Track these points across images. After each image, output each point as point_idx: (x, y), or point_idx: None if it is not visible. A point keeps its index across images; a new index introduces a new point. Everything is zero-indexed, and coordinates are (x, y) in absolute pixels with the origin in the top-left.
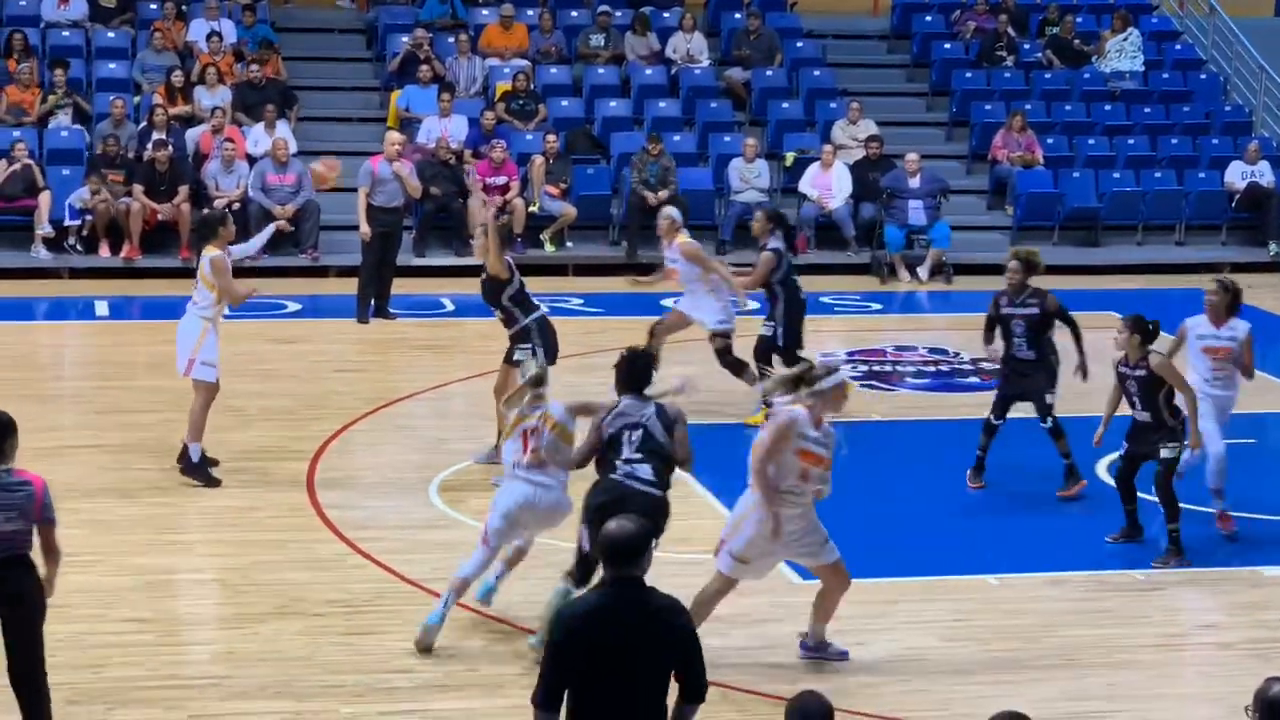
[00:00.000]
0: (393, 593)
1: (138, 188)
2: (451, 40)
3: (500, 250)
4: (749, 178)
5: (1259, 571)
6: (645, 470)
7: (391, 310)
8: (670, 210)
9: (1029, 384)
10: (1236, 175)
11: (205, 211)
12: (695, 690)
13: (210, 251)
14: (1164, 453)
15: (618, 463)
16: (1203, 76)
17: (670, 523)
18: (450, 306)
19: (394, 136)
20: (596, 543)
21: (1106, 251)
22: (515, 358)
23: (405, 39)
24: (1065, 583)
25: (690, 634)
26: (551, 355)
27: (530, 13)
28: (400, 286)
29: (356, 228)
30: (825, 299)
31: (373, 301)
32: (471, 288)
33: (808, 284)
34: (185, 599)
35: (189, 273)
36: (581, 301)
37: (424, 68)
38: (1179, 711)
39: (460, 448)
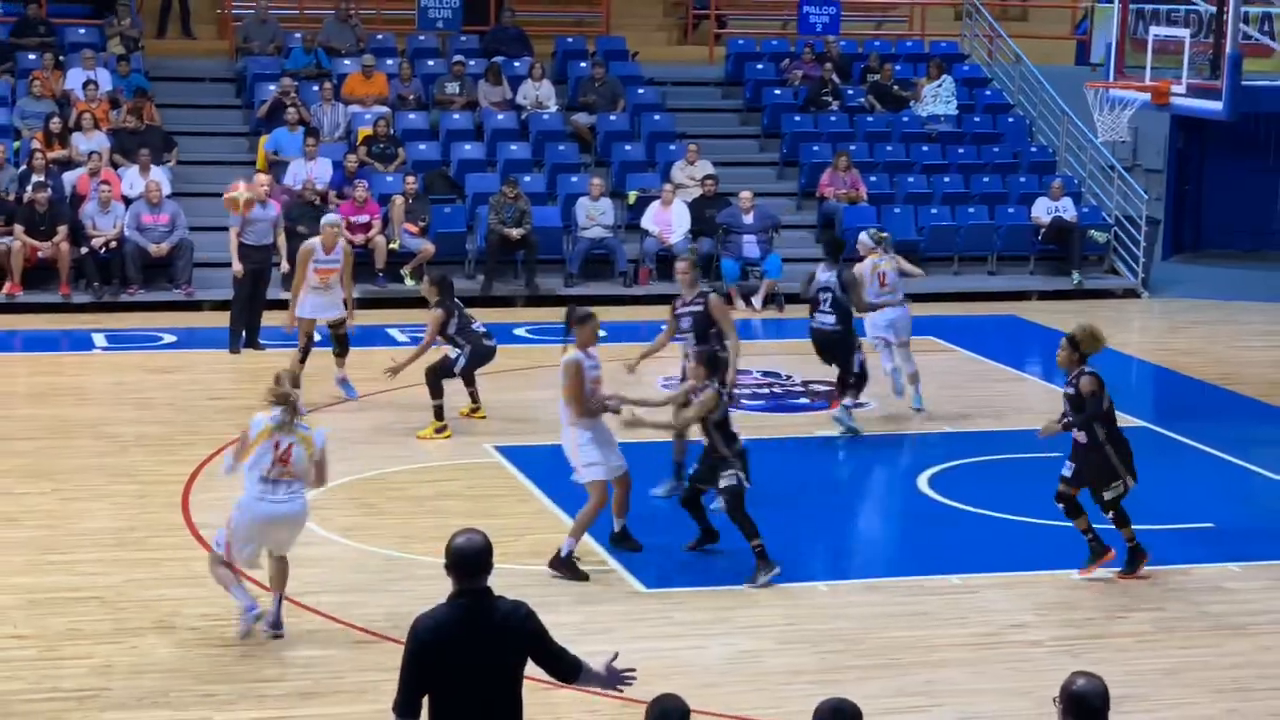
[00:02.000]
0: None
1: (18, 228)
2: (316, 88)
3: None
4: (595, 215)
5: (1066, 574)
6: None
7: (262, 342)
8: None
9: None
10: (1042, 210)
11: None
12: (571, 667)
13: None
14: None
15: None
16: (1010, 120)
17: (521, 538)
18: (317, 338)
19: (261, 179)
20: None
21: (926, 281)
22: None
23: (273, 87)
24: (885, 588)
25: (539, 632)
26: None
27: (390, 62)
28: (270, 319)
29: (229, 264)
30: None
31: (244, 334)
32: None
33: (649, 313)
34: (65, 615)
35: (68, 308)
36: None
37: (290, 113)
38: (993, 705)
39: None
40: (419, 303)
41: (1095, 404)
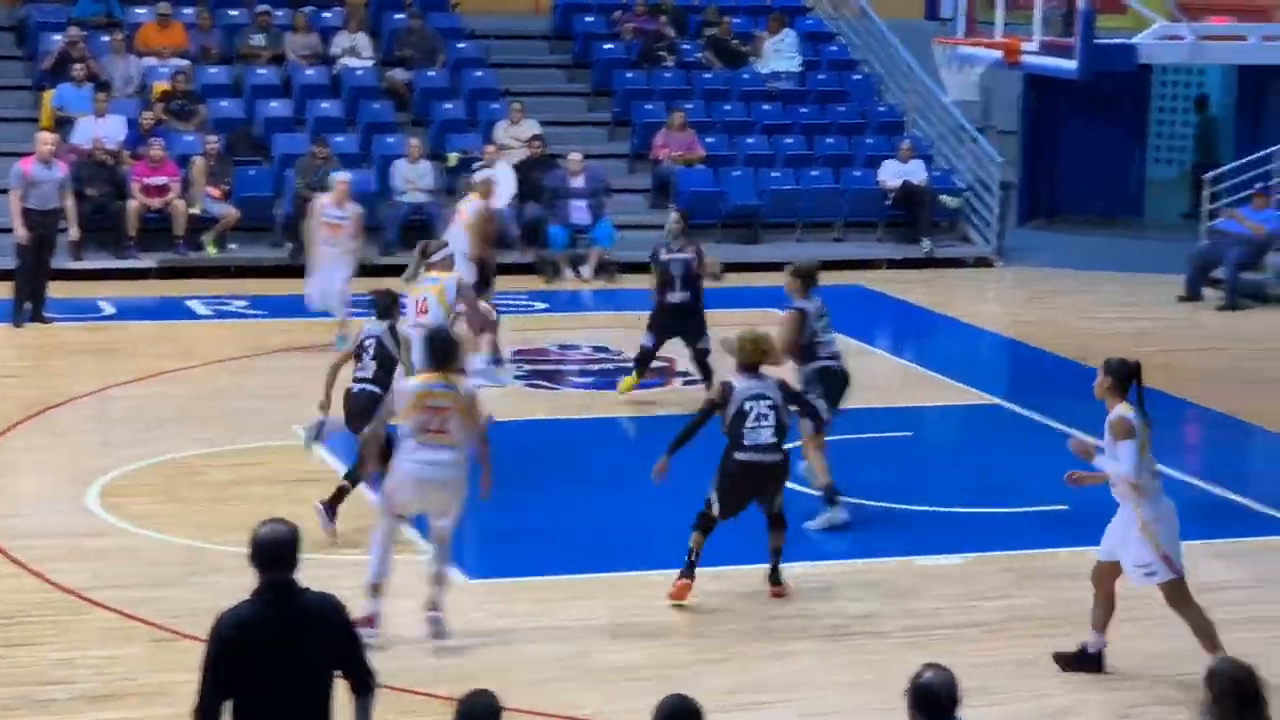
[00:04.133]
0: (49, 603)
1: None
2: (106, 39)
3: None
4: (413, 179)
5: (910, 562)
6: None
7: (47, 314)
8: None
9: None
10: (890, 174)
11: None
12: (364, 683)
13: None
14: None
15: None
16: (856, 77)
17: (343, 524)
18: (110, 310)
19: (45, 137)
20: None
21: (767, 249)
22: None
23: (58, 37)
24: (728, 577)
25: (348, 630)
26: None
27: (188, 11)
28: (57, 290)
29: (10, 231)
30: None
31: (28, 305)
32: (131, 290)
33: None
34: None
35: None
36: (246, 304)
37: (78, 67)
38: (840, 699)
39: (125, 453)
40: (220, 272)
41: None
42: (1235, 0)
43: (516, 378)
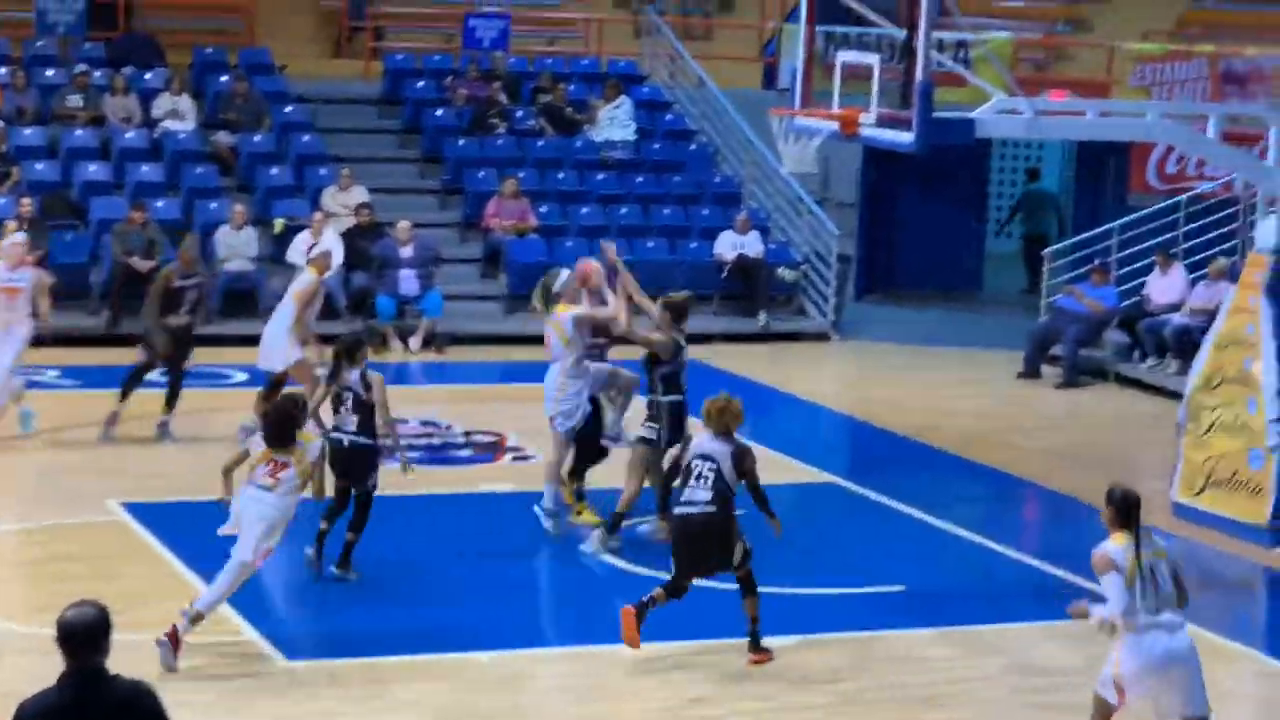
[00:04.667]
0: None
1: None
2: None
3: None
4: (237, 246)
5: (744, 643)
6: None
7: None
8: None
9: None
10: (726, 246)
11: None
12: None
13: None
14: None
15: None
16: (693, 147)
17: (148, 605)
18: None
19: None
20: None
21: None
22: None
23: None
24: (557, 659)
25: (161, 716)
26: None
27: (2, 71)
28: None
29: None
30: (317, 370)
31: None
32: None
33: None
34: None
35: None
36: (59, 374)
37: None
38: None
39: None
40: (31, 341)
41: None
42: (1073, 76)
43: None
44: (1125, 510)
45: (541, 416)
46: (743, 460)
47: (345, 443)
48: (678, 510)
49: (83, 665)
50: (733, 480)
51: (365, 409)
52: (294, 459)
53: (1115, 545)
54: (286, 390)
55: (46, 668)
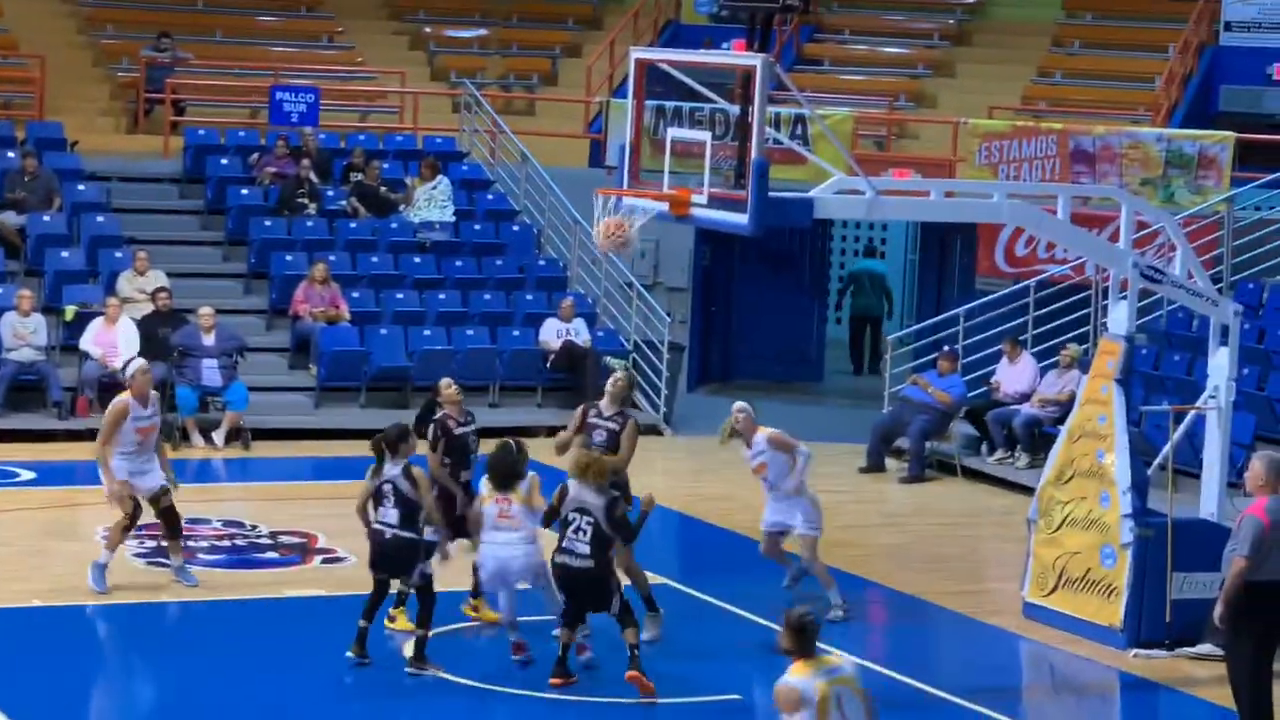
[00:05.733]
0: None
1: None
2: None
3: None
4: (24, 333)
5: None
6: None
7: None
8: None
9: None
10: (552, 333)
11: None
12: None
13: None
14: None
15: None
16: (516, 228)
17: None
18: None
19: None
20: None
21: (415, 414)
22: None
23: None
24: None
25: None
26: None
27: None
28: None
29: None
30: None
31: None
32: None
33: (92, 450)
34: None
35: None
36: None
37: None
38: None
39: None
40: None
41: None
42: (917, 153)
43: (136, 555)
44: (805, 636)
45: (351, 517)
46: (613, 510)
47: (388, 535)
48: (558, 559)
49: None
50: (609, 530)
51: (408, 503)
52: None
53: (799, 678)
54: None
55: None
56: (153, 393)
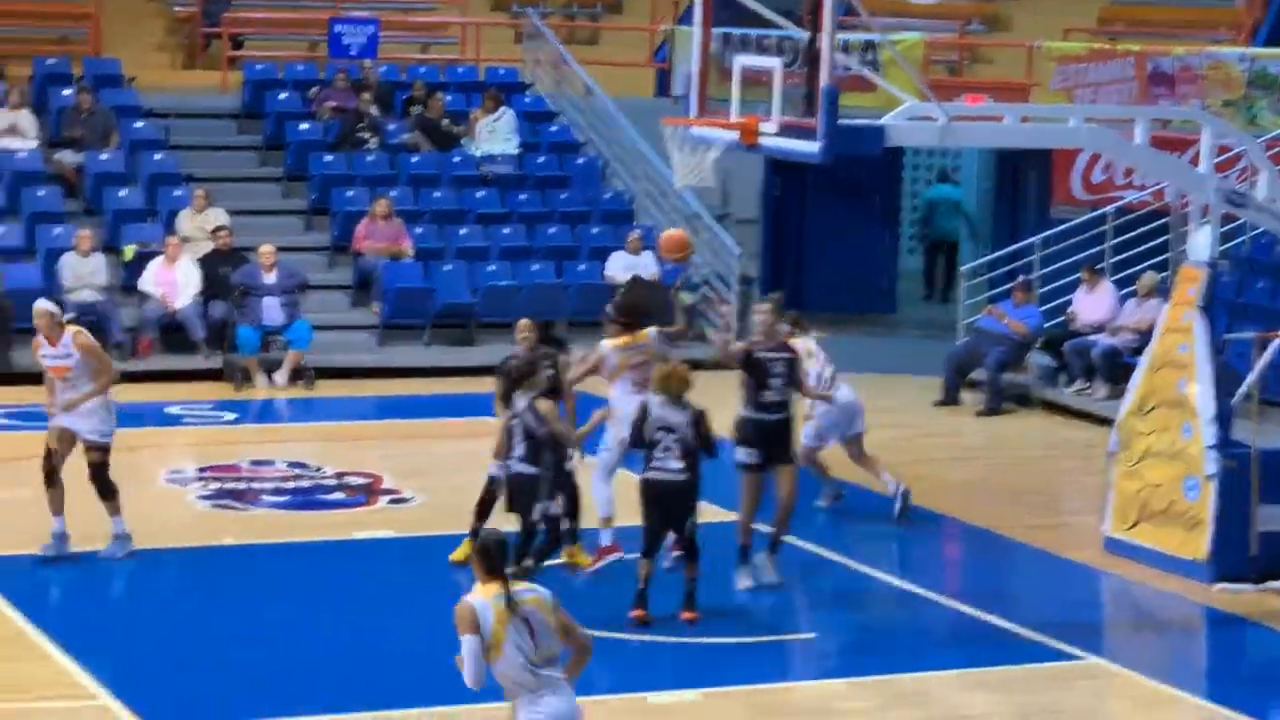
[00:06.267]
0: None
1: None
2: None
3: None
4: (84, 274)
5: (642, 699)
6: None
7: None
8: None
9: None
10: (619, 267)
11: None
12: None
13: None
14: None
15: None
16: (581, 161)
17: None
18: None
19: None
20: None
21: (483, 351)
22: None
23: None
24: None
25: None
26: None
27: None
28: None
29: None
30: (173, 409)
31: None
32: None
33: (154, 393)
34: None
35: None
36: None
37: None
38: None
39: None
40: None
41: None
42: (990, 78)
43: (201, 497)
44: (486, 556)
45: (419, 455)
46: (700, 424)
47: (512, 471)
48: (648, 476)
49: None
50: (697, 444)
51: (534, 438)
52: None
53: (478, 598)
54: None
55: None
56: (70, 331)
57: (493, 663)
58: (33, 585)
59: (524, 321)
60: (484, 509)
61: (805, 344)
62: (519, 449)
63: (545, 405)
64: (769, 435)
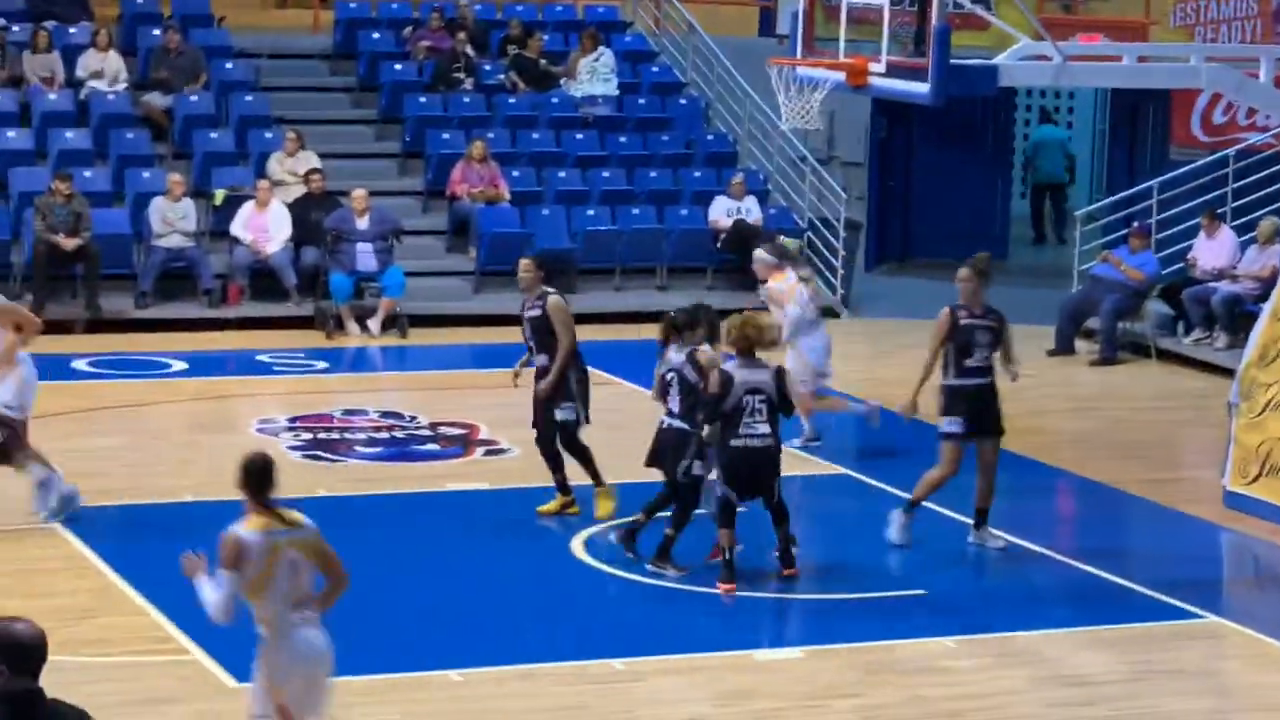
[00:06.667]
0: None
1: None
2: None
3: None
4: (173, 219)
5: (748, 655)
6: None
7: None
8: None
9: None
10: (721, 212)
11: None
12: None
13: None
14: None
15: None
16: (683, 102)
17: (82, 622)
18: None
19: None
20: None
21: (581, 298)
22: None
23: None
24: (534, 676)
25: None
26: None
27: None
28: None
29: None
30: (263, 357)
31: None
32: None
33: (244, 340)
34: None
35: None
36: None
37: None
38: None
39: None
40: None
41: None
42: (1106, 17)
43: (291, 448)
44: (251, 478)
45: (515, 406)
46: (783, 379)
47: (664, 425)
48: (737, 444)
49: (18, 687)
50: (780, 402)
51: (691, 391)
52: None
53: (248, 530)
54: None
55: None
56: None
57: (255, 597)
58: (121, 538)
59: (525, 261)
60: (655, 458)
61: (785, 284)
62: (673, 403)
63: (706, 357)
64: (973, 403)
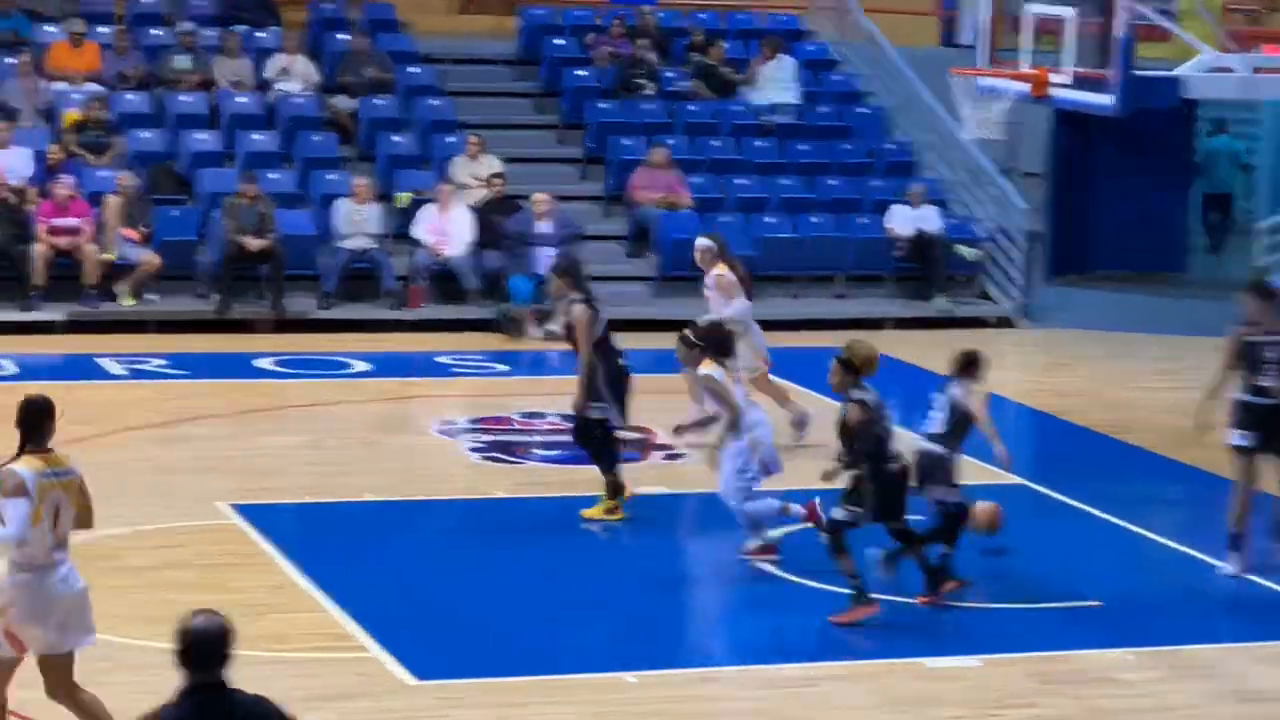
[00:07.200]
0: None
1: None
2: (12, 60)
3: None
4: (358, 221)
5: (922, 664)
6: None
7: None
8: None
9: None
10: (900, 221)
11: None
12: None
13: None
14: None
15: None
16: (863, 111)
17: (264, 617)
18: (10, 369)
19: None
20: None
21: (760, 306)
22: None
23: None
24: (713, 680)
25: None
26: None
27: (104, 30)
28: None
29: None
30: (444, 359)
31: None
32: (35, 346)
33: (425, 342)
34: None
35: None
36: (165, 363)
37: None
38: None
39: None
40: (137, 326)
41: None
42: None
43: (471, 449)
44: (38, 426)
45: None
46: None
47: (919, 447)
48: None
49: (206, 679)
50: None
51: (960, 417)
52: None
53: (27, 468)
54: None
55: (160, 683)
56: None
57: None
58: (302, 534)
59: (549, 274)
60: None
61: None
62: (937, 422)
63: (976, 388)
64: (1263, 420)
